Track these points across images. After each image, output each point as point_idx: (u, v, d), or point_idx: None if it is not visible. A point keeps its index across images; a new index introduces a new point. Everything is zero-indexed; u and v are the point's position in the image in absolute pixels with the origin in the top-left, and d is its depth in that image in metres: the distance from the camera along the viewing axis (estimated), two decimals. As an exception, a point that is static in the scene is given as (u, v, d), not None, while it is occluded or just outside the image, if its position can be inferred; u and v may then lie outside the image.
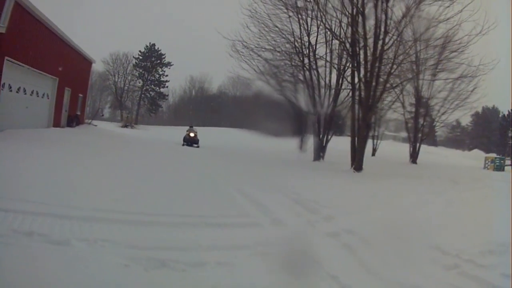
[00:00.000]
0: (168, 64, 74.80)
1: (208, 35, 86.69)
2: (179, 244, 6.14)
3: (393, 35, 20.73)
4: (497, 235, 7.95)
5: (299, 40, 25.20)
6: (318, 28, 24.75)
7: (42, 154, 13.48)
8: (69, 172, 11.28)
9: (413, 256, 6.53)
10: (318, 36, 25.05)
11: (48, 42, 22.62)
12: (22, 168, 10.59)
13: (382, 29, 20.55)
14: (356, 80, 22.22)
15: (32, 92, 21.33)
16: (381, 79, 21.44)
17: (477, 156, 44.86)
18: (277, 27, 24.59)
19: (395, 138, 68.68)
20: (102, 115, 59.43)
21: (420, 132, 34.13)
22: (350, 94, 23.33)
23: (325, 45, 25.16)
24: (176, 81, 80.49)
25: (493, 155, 38.35)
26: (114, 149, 20.21)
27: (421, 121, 34.31)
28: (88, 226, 6.44)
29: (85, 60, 32.02)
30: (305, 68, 25.66)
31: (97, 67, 61.10)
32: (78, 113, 30.59)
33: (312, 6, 23.56)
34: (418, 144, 33.56)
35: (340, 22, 22.48)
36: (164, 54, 74.40)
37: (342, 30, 22.80)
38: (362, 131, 21.55)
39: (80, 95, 31.07)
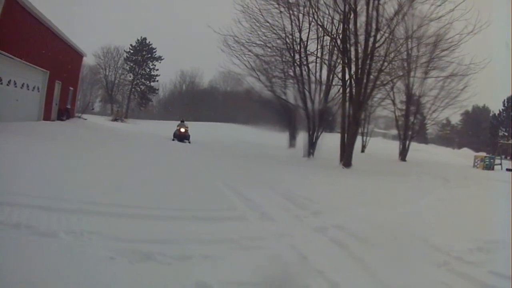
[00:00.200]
0: (159, 58, 74.58)
1: (199, 29, 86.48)
2: (166, 237, 6.14)
3: (384, 32, 20.80)
4: (485, 232, 8.04)
5: (290, 36, 25.19)
6: (310, 24, 24.75)
7: (31, 148, 13.38)
8: (59, 165, 11.23)
9: (401, 252, 6.57)
10: (310, 32, 25.08)
11: (39, 35, 22.47)
12: (11, 161, 10.54)
13: (374, 26, 20.60)
14: (347, 76, 22.26)
15: (23, 85, 21.20)
16: (371, 76, 21.52)
17: (467, 155, 45.10)
18: (268, 22, 24.53)
19: (385, 135, 68.88)
20: (93, 109, 59.20)
21: (410, 129, 34.22)
22: (341, 90, 23.33)
23: (316, 41, 25.19)
24: (166, 76, 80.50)
25: (483, 154, 38.50)
26: (104, 143, 20.13)
27: (411, 118, 34.39)
28: (76, 219, 6.43)
29: (76, 54, 31.81)
30: (295, 64, 25.69)
31: (88, 60, 60.67)
32: (69, 106, 30.40)
33: (304, 2, 23.56)
34: (408, 142, 33.63)
35: (332, 19, 22.53)
36: (155, 48, 74.23)
37: (334, 26, 22.87)
38: (352, 128, 21.65)
39: (71, 88, 30.88)
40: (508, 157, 40.14)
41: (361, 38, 21.21)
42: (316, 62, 25.72)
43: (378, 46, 21.08)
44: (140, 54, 73.31)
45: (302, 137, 28.30)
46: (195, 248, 5.77)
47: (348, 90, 22.14)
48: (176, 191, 10.14)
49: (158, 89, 77.89)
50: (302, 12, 24.14)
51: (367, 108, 30.20)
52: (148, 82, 74.37)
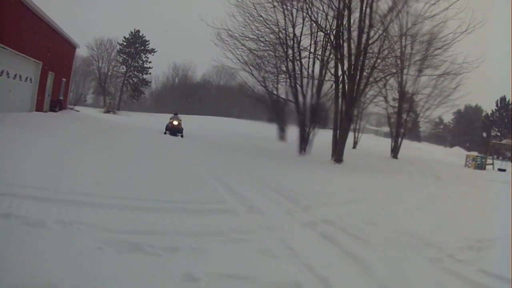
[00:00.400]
0: (152, 51, 74.57)
1: (192, 23, 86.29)
2: (156, 229, 6.15)
3: (378, 29, 20.85)
4: (476, 231, 8.11)
5: (283, 31, 25.15)
6: (303, 20, 24.75)
7: (23, 139, 13.37)
8: (50, 156, 11.24)
9: (391, 249, 6.60)
10: (303, 27, 25.08)
11: (32, 26, 22.33)
12: (2, 152, 10.55)
13: (367, 23, 20.64)
14: (340, 72, 22.28)
15: (15, 75, 21.07)
16: (364, 73, 21.58)
17: (459, 154, 45.31)
18: (261, 16, 24.46)
19: (377, 132, 69.17)
20: (85, 101, 59.02)
21: (402, 127, 34.30)
22: (334, 86, 23.36)
23: (310, 36, 25.19)
24: (159, 68, 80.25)
25: (475, 153, 38.66)
26: (96, 135, 20.09)
27: (404, 116, 34.47)
28: (66, 209, 6.42)
29: (69, 45, 31.65)
30: (288, 59, 25.70)
31: (81, 52, 60.73)
32: (61, 98, 30.29)
33: (298, -2, 23.58)
34: (400, 139, 33.72)
35: (327, 15, 22.52)
36: (148, 40, 74.18)
37: (328, 23, 22.87)
38: (344, 124, 21.72)
39: (64, 79, 30.77)
40: (500, 157, 40.34)
41: (354, 34, 21.27)
42: (309, 58, 25.76)
43: (372, 43, 21.16)
44: (133, 46, 73.37)
45: (292, 130, 28.43)
46: (184, 240, 5.78)
47: (341, 86, 22.17)
48: (167, 184, 10.14)
49: (150, 82, 78.01)
50: (296, 7, 24.14)
51: (359, 104, 30.24)
52: (140, 74, 74.40)
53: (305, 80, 25.51)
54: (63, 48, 29.45)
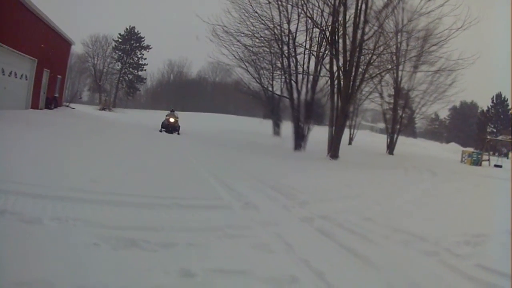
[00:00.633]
0: (147, 47, 74.53)
1: (188, 19, 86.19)
2: (152, 225, 6.15)
3: (373, 25, 20.85)
4: (472, 226, 8.11)
5: (278, 27, 25.14)
6: (299, 16, 24.73)
7: (19, 135, 13.35)
8: (46, 153, 11.20)
9: (388, 244, 6.60)
10: (299, 24, 25.08)
11: (27, 23, 22.26)
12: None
13: (362, 18, 20.63)
14: (335, 68, 22.26)
15: (11, 73, 21.01)
16: (360, 69, 21.58)
17: (454, 149, 45.32)
18: (256, 12, 24.44)
19: (372, 128, 69.24)
20: (80, 98, 59.06)
21: (398, 123, 34.29)
22: (329, 82, 23.34)
23: (305, 33, 25.17)
24: (154, 65, 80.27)
25: (470, 149, 38.69)
26: (91, 132, 20.03)
27: (400, 112, 34.46)
28: (62, 206, 6.40)
29: (65, 42, 31.59)
30: (283, 56, 25.68)
31: (77, 49, 60.69)
32: (57, 95, 30.19)
33: (293, -7, 23.54)
34: (395, 135, 33.71)
35: (322, 11, 22.49)
36: (144, 37, 74.11)
37: (323, 19, 22.82)
38: (340, 120, 21.71)
39: (59, 76, 30.68)
40: (496, 153, 40.42)
41: (349, 30, 21.26)
42: (304, 54, 25.74)
43: (367, 39, 21.15)
44: (129, 43, 73.30)
45: (287, 126, 28.48)
46: (180, 236, 5.77)
47: (336, 82, 22.15)
48: (163, 180, 10.12)
49: (146, 79, 78.00)
50: (291, 3, 24.06)
51: (355, 101, 30.24)
52: (136, 71, 74.32)
53: (300, 76, 25.54)
54: (58, 45, 29.36)
